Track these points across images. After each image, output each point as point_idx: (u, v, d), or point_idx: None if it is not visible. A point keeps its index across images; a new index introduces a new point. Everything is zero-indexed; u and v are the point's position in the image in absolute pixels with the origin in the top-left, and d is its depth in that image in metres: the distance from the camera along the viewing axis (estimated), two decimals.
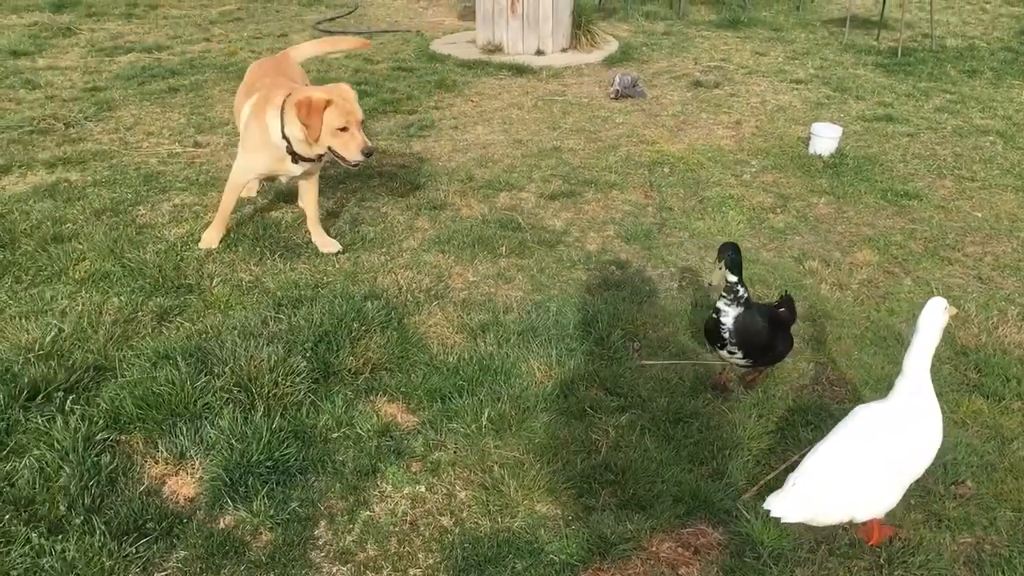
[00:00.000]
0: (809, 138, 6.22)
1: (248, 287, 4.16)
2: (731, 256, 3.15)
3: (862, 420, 2.69)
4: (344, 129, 4.03)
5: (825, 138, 6.12)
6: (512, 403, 3.34)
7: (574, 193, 5.45)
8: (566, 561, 2.65)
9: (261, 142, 4.27)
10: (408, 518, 2.84)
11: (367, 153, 4.10)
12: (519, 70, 8.29)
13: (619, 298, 4.17)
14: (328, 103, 4.00)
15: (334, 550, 2.70)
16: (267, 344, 3.52)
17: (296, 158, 4.25)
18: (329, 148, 4.11)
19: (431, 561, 2.67)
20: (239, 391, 3.26)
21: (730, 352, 3.30)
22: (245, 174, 4.51)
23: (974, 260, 4.76)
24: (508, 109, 7.12)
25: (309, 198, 4.57)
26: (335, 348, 3.58)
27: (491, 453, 3.11)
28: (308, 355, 3.52)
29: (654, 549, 2.73)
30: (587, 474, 3.02)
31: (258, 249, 4.52)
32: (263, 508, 2.78)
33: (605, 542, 2.71)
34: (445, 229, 4.87)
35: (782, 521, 2.48)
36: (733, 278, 3.18)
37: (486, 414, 3.25)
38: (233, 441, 3.00)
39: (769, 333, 3.30)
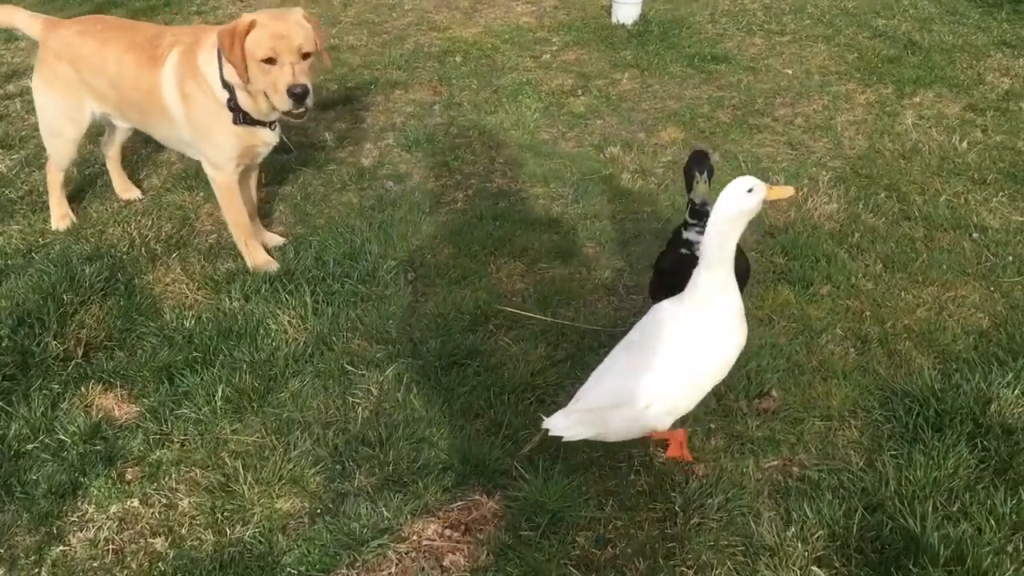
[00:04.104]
0: (611, 5, 5.69)
1: None
2: (710, 165, 2.46)
3: (657, 321, 2.32)
4: (271, 61, 2.91)
5: (627, 4, 5.60)
6: (255, 372, 2.79)
7: (351, 99, 4.79)
8: (306, 572, 2.18)
9: (214, 105, 3.09)
10: (112, 546, 2.28)
11: (295, 94, 2.91)
12: None
13: (394, 219, 3.62)
14: (252, 24, 2.90)
15: None
16: None
17: (241, 117, 3.08)
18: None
19: None
20: None
21: None
22: (230, 164, 3.24)
23: (784, 124, 4.40)
24: (283, 6, 6.26)
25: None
26: (37, 332, 2.93)
27: (227, 441, 2.57)
28: (3, 345, 2.87)
29: (415, 537, 2.28)
30: (341, 450, 2.53)
31: None
32: None
33: (355, 540, 2.24)
34: (193, 160, 4.15)
35: (564, 439, 2.22)
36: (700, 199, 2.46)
37: (220, 392, 2.70)
38: None
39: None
